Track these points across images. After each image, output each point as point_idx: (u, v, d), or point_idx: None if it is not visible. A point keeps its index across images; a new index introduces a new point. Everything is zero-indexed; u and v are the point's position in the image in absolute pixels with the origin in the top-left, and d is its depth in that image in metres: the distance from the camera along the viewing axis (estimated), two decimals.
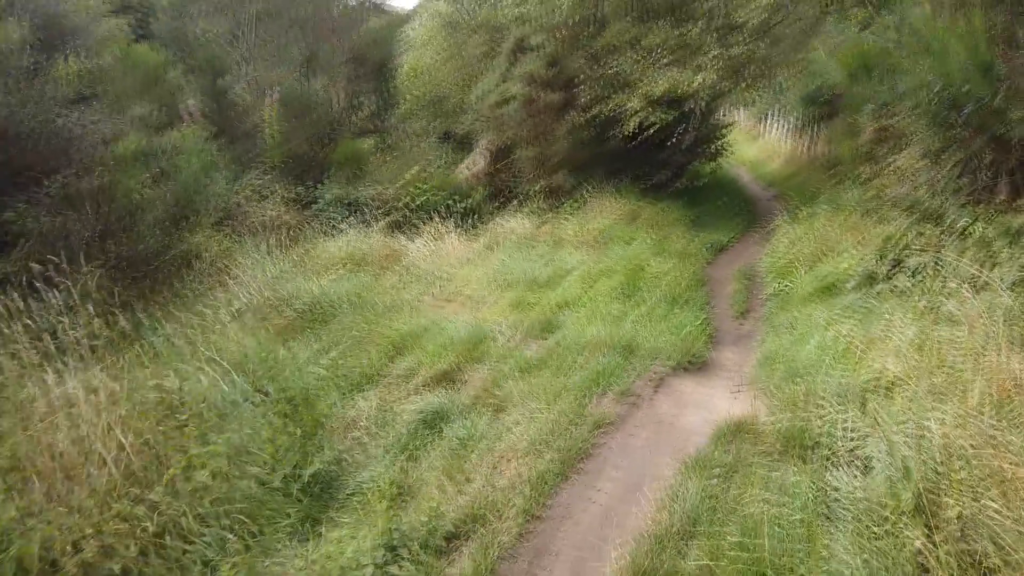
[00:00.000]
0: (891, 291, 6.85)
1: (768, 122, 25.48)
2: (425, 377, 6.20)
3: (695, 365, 6.54)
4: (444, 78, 14.69)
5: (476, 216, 11.48)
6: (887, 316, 5.86)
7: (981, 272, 5.91)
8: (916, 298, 6.13)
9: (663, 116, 11.47)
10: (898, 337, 5.26)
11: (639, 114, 11.46)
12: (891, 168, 9.29)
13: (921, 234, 6.92)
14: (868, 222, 8.95)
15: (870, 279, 7.31)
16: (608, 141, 12.52)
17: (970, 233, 6.32)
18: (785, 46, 12.52)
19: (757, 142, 25.02)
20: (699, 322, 7.65)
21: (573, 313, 7.79)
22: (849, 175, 11.34)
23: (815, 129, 17.91)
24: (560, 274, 9.30)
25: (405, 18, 18.24)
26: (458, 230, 11.24)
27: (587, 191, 12.26)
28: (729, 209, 13.74)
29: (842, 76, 11.07)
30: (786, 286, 8.79)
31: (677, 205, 12.66)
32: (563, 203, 12.07)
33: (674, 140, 12.84)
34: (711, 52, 11.38)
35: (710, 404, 5.85)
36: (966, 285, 5.85)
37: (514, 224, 11.29)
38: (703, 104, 12.64)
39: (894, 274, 6.97)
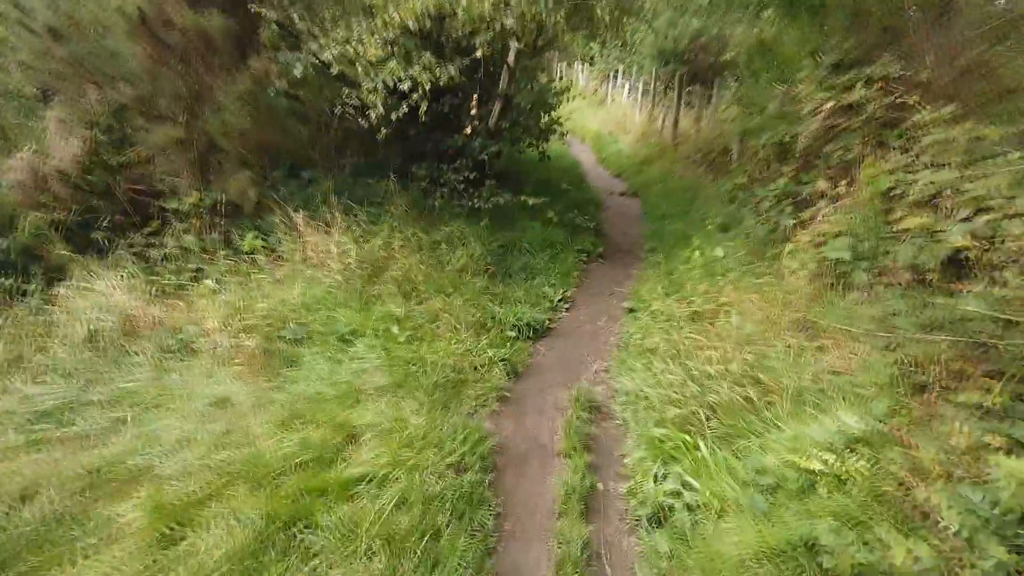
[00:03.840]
0: None
1: (615, 84, 20.76)
2: None
3: None
4: None
5: (21, 272, 5.19)
6: None
7: None
8: None
9: (434, 73, 5.75)
10: None
11: (385, 67, 5.65)
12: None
13: None
14: (875, 334, 3.95)
15: None
16: (346, 117, 6.62)
17: None
18: None
19: (602, 109, 20.22)
20: None
21: None
22: (773, 188, 6.36)
23: (679, 97, 13.14)
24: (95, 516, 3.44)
25: None
26: None
27: (300, 211, 6.33)
28: (562, 226, 8.43)
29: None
30: (690, 500, 3.59)
31: (472, 230, 7.12)
32: (242, 235, 6.07)
33: (472, 113, 7.26)
34: None
35: None
36: None
37: (105, 292, 5.13)
38: (518, 49, 7.12)
39: None
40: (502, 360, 5.03)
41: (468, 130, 6.93)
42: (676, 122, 13.19)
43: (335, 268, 5.69)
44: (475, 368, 4.83)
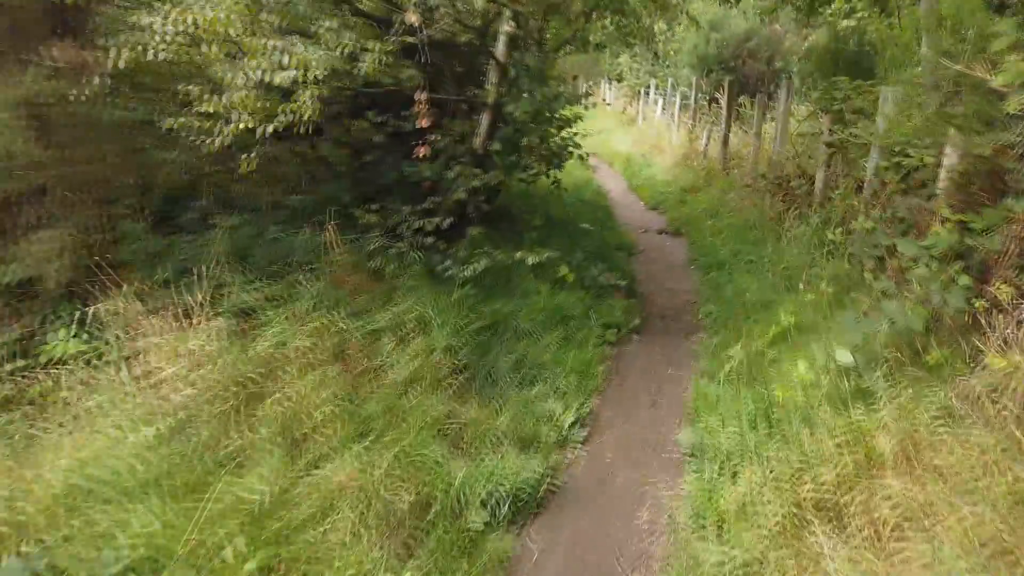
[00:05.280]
0: None
1: (647, 100, 18.35)
2: None
3: None
4: None
5: None
6: None
7: None
8: None
9: (337, 55, 3.37)
10: None
11: (252, 49, 3.30)
12: None
13: None
14: None
15: None
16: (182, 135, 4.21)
17: None
18: None
19: (634, 129, 17.78)
20: None
21: None
22: (927, 244, 3.78)
23: (729, 110, 10.63)
24: None
25: None
26: None
27: (162, 287, 4.00)
28: (581, 288, 5.91)
29: None
30: None
31: (440, 305, 4.65)
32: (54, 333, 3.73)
33: (421, 127, 4.87)
34: None
35: None
36: None
37: None
38: (510, 34, 4.78)
39: None
40: None
41: (421, 152, 4.54)
42: (726, 140, 10.64)
43: (176, 399, 3.27)
44: None
